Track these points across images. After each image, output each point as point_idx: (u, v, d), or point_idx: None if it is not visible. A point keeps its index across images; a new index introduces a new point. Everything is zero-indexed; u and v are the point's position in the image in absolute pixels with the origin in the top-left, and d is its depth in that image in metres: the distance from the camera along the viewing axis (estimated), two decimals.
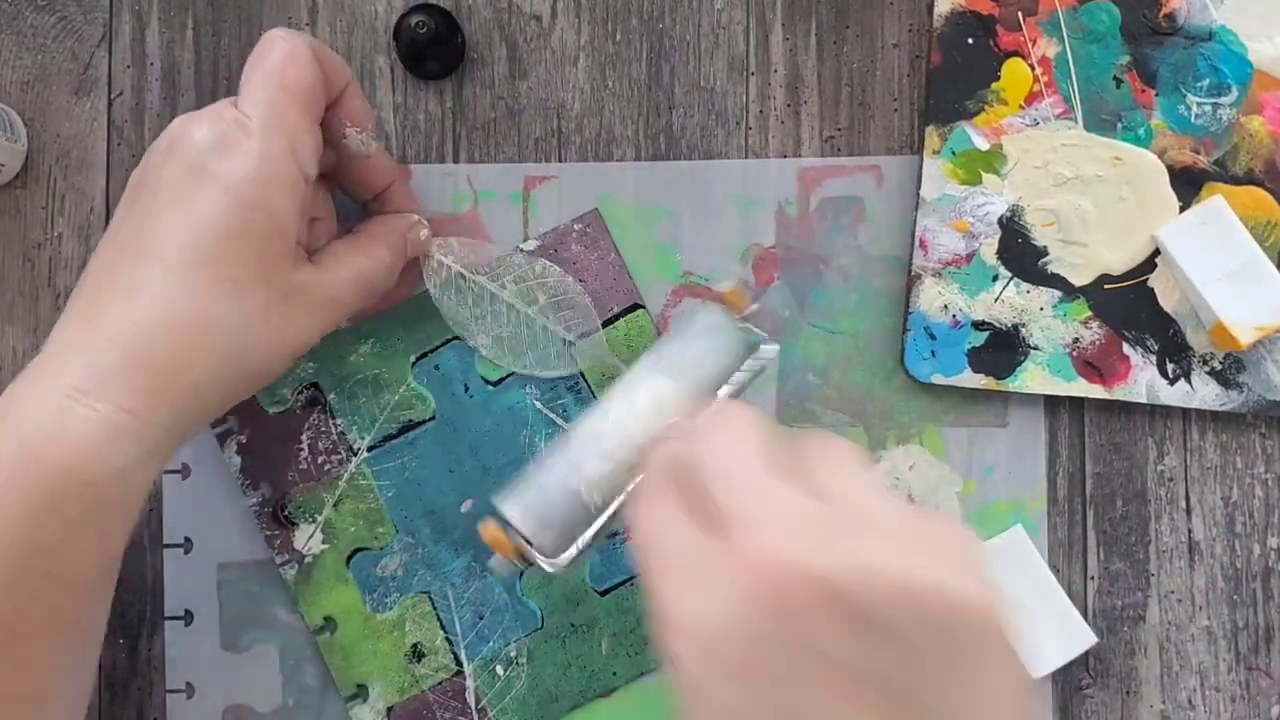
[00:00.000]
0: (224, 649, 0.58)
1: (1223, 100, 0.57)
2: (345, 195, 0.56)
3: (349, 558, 0.58)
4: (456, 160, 0.59)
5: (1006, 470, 0.58)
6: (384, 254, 0.54)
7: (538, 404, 0.58)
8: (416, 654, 0.57)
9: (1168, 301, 0.57)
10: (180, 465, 0.58)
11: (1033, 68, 0.57)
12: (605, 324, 0.58)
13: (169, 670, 0.58)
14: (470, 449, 0.58)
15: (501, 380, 0.58)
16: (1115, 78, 0.57)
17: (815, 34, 0.60)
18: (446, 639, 0.58)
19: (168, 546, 0.58)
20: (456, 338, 0.58)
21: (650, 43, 0.60)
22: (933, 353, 0.57)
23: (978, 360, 0.57)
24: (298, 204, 0.49)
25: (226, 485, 0.58)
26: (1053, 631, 0.56)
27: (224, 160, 0.47)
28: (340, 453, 0.58)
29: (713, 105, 0.59)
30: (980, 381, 0.57)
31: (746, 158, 0.59)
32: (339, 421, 0.58)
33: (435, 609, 0.58)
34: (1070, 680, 0.58)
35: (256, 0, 0.60)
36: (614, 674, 0.57)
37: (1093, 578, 0.58)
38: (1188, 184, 0.57)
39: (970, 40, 0.58)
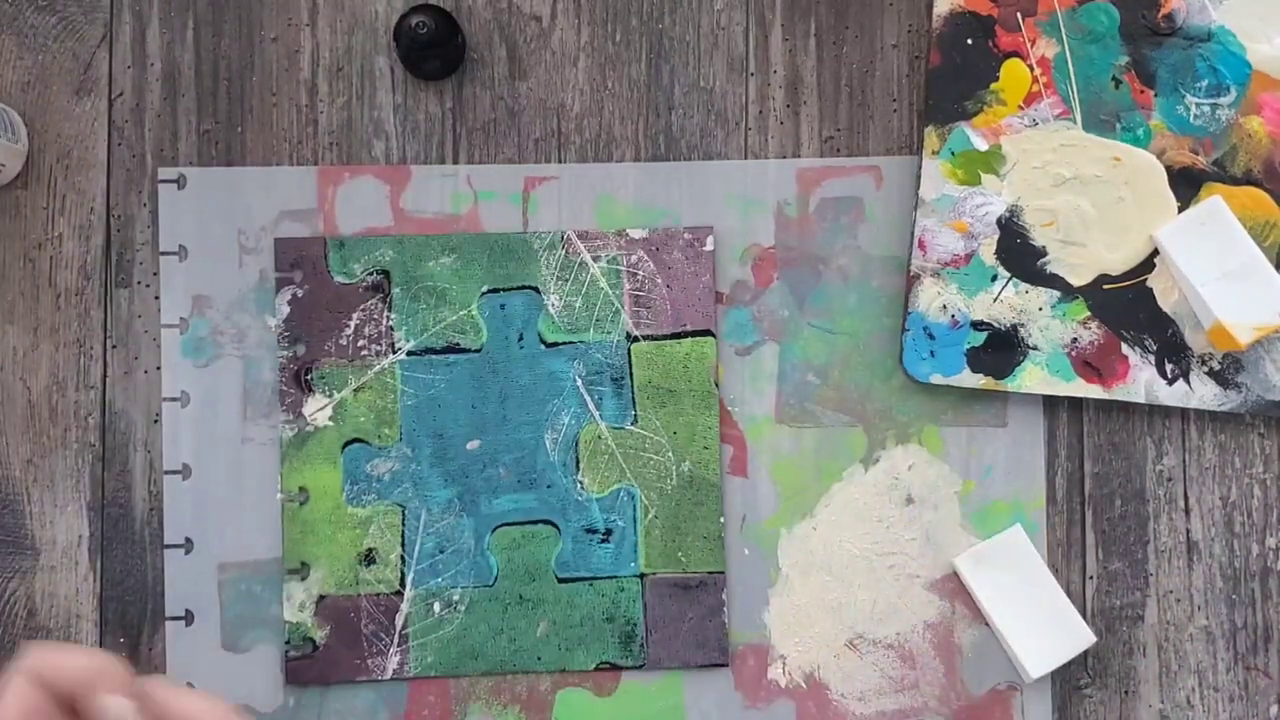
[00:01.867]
0: (224, 649, 0.58)
1: (1221, 101, 0.57)
2: None
3: (346, 443, 0.58)
4: (456, 161, 0.60)
5: (1005, 470, 0.58)
6: None
7: (579, 381, 0.58)
8: (369, 559, 0.58)
9: (1166, 302, 0.57)
10: (180, 466, 0.58)
11: (1032, 68, 0.58)
12: (673, 337, 0.58)
13: (169, 670, 0.58)
14: (500, 395, 0.58)
15: (556, 344, 0.58)
16: (1114, 78, 0.57)
17: (815, 34, 0.60)
18: (402, 557, 0.58)
19: (168, 547, 0.58)
20: (535, 287, 0.58)
21: (650, 43, 0.60)
22: (932, 353, 0.57)
23: (977, 360, 0.57)
24: None
25: (226, 486, 0.58)
26: (1051, 631, 0.56)
27: None
28: (381, 345, 0.58)
29: (712, 105, 0.60)
30: (979, 381, 0.57)
31: (746, 158, 0.59)
32: (393, 316, 0.58)
33: (404, 526, 0.58)
34: (1069, 680, 0.58)
35: (257, 1, 0.60)
36: (539, 659, 0.58)
37: (1091, 577, 0.58)
38: (1186, 184, 0.57)
39: (969, 41, 0.58)
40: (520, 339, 0.58)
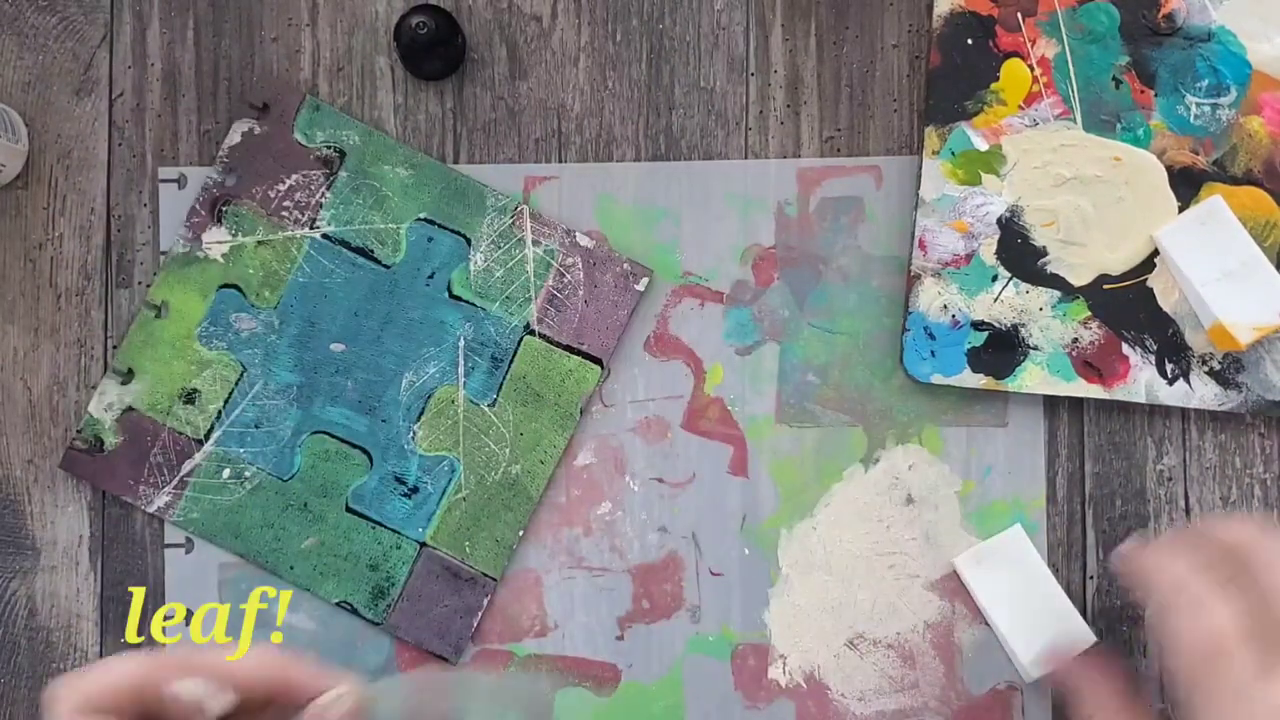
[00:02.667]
0: (224, 649, 0.58)
1: (1222, 101, 0.57)
2: None
3: (225, 285, 0.58)
4: (457, 161, 0.60)
5: (1006, 470, 0.58)
6: None
7: (462, 342, 0.58)
8: (189, 398, 0.58)
9: (1167, 301, 0.57)
10: None
11: (1032, 68, 0.58)
12: (566, 349, 0.58)
13: None
14: (385, 317, 0.58)
15: (459, 299, 0.58)
16: (1114, 78, 0.57)
17: (815, 34, 0.60)
18: (220, 412, 0.58)
19: (168, 546, 0.59)
20: (468, 238, 0.58)
21: (650, 43, 0.60)
22: (932, 353, 0.57)
23: (977, 360, 0.57)
24: None
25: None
26: (1052, 631, 0.56)
27: None
28: (303, 216, 0.58)
29: (713, 106, 0.60)
30: (979, 381, 0.57)
31: (746, 158, 0.59)
32: (330, 196, 0.58)
33: (235, 385, 0.58)
34: None
35: (257, 1, 0.60)
36: (291, 568, 0.58)
37: (1092, 577, 0.58)
38: (1187, 184, 0.57)
39: (970, 41, 0.58)
40: (431, 277, 0.58)
